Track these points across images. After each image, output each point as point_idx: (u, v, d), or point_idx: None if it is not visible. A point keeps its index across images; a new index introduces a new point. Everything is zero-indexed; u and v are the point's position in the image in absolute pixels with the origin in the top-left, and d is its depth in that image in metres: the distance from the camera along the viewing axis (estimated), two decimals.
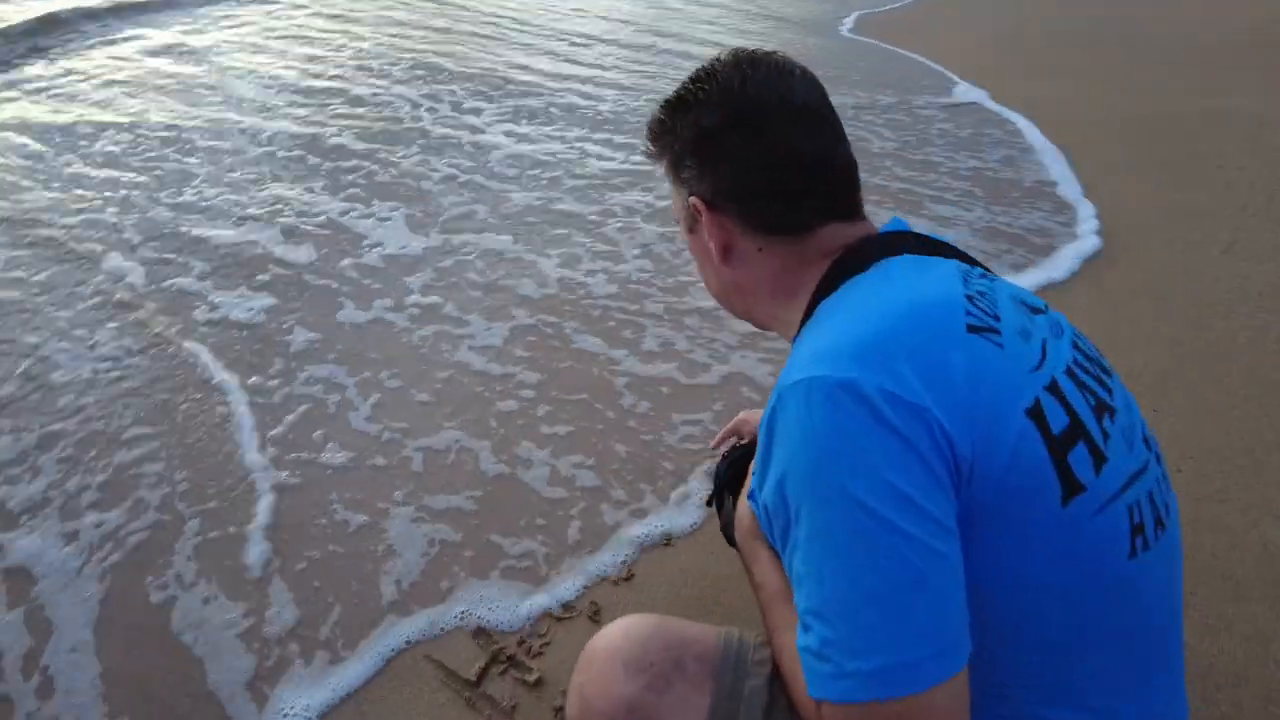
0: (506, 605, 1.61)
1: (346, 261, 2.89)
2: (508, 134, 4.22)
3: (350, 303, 2.64)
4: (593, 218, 3.32)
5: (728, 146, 0.90)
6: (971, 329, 0.76)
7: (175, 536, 1.74)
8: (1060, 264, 3.06)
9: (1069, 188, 3.87)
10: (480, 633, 1.55)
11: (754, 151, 0.89)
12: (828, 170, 0.90)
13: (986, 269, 0.94)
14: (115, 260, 2.84)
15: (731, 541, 1.23)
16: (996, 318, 0.79)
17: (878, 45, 7.33)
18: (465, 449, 2.02)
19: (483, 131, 4.25)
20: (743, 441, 1.77)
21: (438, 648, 1.52)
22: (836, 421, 0.70)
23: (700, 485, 1.89)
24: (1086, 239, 3.27)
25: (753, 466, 1.11)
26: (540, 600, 1.62)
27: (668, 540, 1.74)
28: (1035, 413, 0.73)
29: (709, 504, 1.33)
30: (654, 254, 3.04)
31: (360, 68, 5.22)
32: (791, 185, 0.89)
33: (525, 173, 3.74)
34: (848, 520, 0.68)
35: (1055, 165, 4.17)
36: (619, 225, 3.26)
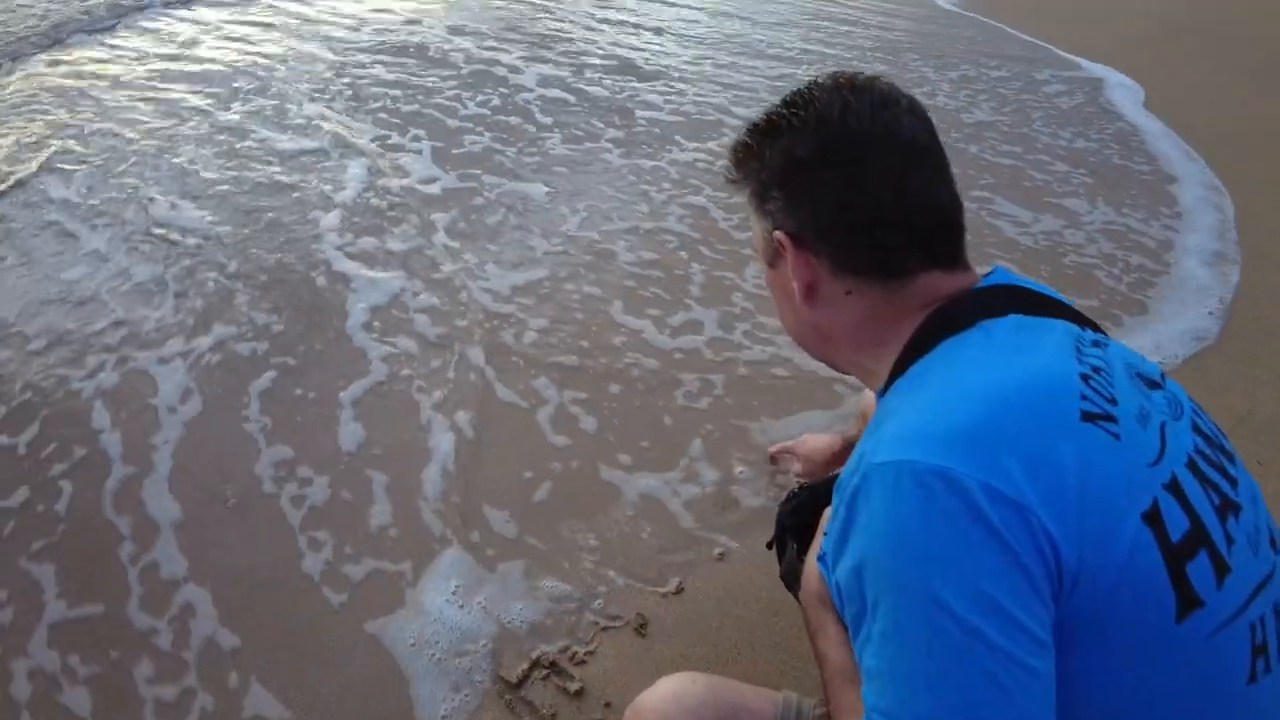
0: (552, 610, 1.59)
1: None
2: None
3: None
4: None
5: (822, 180, 0.82)
6: (1086, 416, 0.68)
7: None
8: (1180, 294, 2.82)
9: (1193, 190, 3.60)
10: (524, 635, 1.54)
11: (852, 188, 0.80)
12: (931, 213, 0.82)
13: (1098, 329, 0.85)
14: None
15: (790, 588, 1.17)
16: (1113, 400, 0.71)
17: (986, 21, 6.93)
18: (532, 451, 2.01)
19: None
20: (799, 475, 1.71)
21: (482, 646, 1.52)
22: (928, 516, 0.64)
23: (752, 500, 1.83)
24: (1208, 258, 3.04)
25: (824, 524, 1.05)
26: (588, 608, 1.59)
27: (721, 555, 1.69)
28: (1152, 517, 0.65)
29: (769, 548, 1.26)
30: None
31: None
32: (890, 227, 0.80)
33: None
34: (930, 624, 0.62)
35: (1182, 162, 3.88)
36: None
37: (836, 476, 1.26)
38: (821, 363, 0.96)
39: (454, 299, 2.50)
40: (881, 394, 0.85)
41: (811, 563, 1.01)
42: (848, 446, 1.60)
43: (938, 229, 0.83)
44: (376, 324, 2.37)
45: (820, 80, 0.87)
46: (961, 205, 0.86)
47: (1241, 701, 0.67)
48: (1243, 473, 0.76)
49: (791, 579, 1.15)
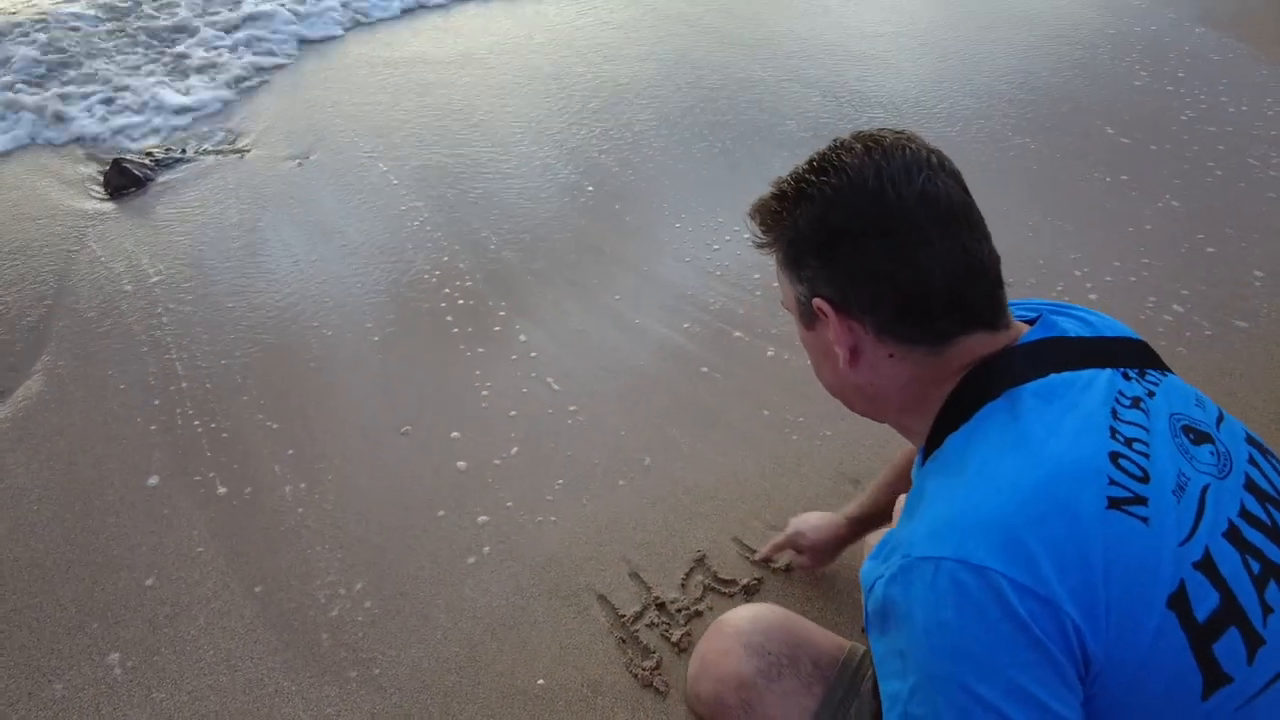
0: (671, 562, 1.74)
1: None
2: None
3: None
4: None
5: (863, 253, 0.81)
6: (1113, 503, 0.69)
7: None
8: None
9: None
10: (637, 579, 1.70)
11: (893, 258, 0.80)
12: (974, 277, 0.81)
13: (1149, 362, 0.83)
14: None
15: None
16: (1145, 478, 0.71)
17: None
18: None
19: None
20: (805, 567, 1.61)
21: (601, 579, 1.70)
22: (963, 613, 0.67)
23: None
24: None
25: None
26: (702, 567, 1.72)
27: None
28: (1178, 599, 0.67)
29: None
30: None
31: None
32: (934, 297, 0.80)
33: None
34: (964, 711, 0.67)
35: None
36: None
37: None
38: (862, 416, 0.97)
39: None
40: (920, 460, 0.87)
41: None
42: (854, 525, 1.52)
43: (981, 292, 0.82)
44: None
45: (845, 143, 0.85)
46: (999, 258, 0.84)
47: None
48: None
49: None
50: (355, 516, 1.88)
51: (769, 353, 2.33)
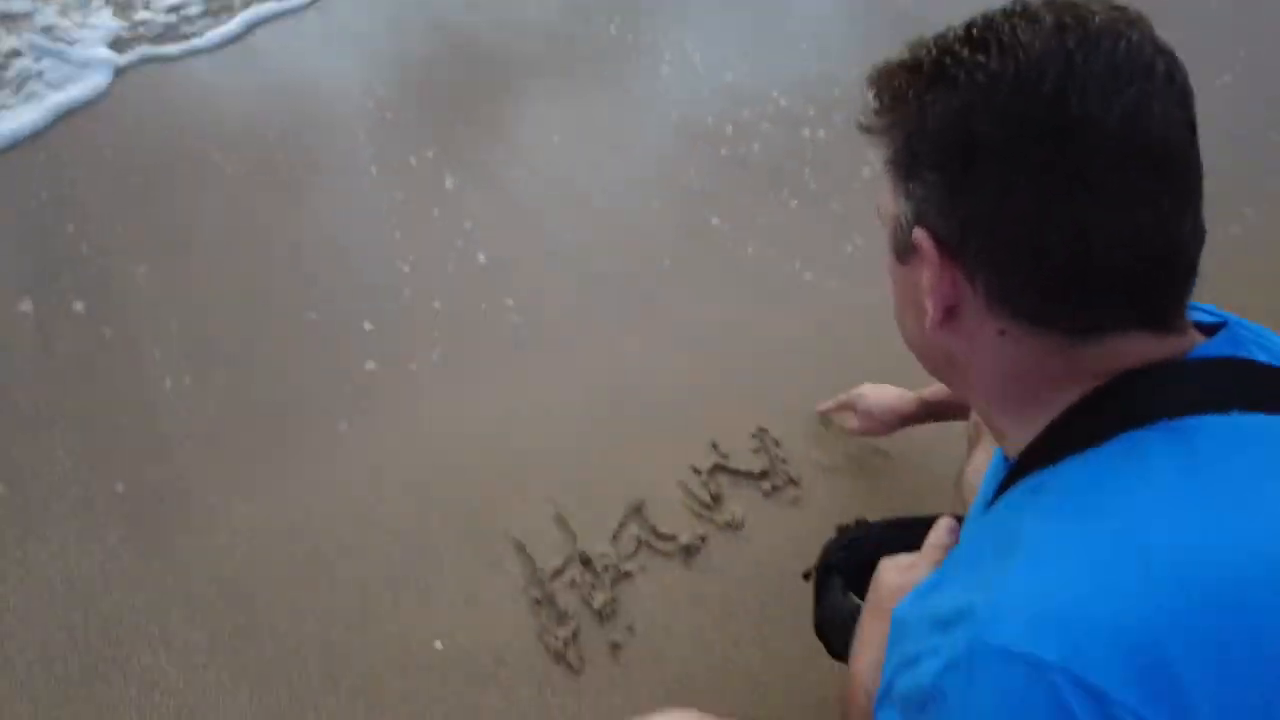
0: (604, 507, 1.50)
1: None
2: None
3: None
4: None
5: (1007, 186, 0.54)
6: None
7: None
8: None
9: None
10: (563, 525, 1.47)
11: (1051, 208, 0.53)
12: (1161, 257, 0.55)
13: None
14: None
15: (822, 637, 0.99)
16: None
17: None
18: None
19: None
20: (854, 432, 1.50)
21: (521, 523, 1.48)
22: None
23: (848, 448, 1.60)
24: None
25: (870, 621, 0.82)
26: (639, 517, 1.49)
27: (796, 500, 1.51)
28: None
29: (805, 578, 1.06)
30: None
31: None
32: (1094, 275, 0.54)
33: None
34: None
35: None
36: None
37: (904, 522, 1.02)
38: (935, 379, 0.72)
39: None
40: (1009, 472, 0.61)
41: (864, 662, 0.80)
42: (924, 410, 1.40)
43: (1165, 281, 0.56)
44: None
45: (1029, 7, 0.55)
46: (1204, 235, 0.56)
47: None
48: None
49: (828, 631, 0.97)
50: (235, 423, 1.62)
51: (749, 249, 2.00)
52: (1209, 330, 0.60)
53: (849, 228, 2.05)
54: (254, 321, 1.85)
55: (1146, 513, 0.50)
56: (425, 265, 1.98)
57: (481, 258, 2.00)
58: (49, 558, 1.43)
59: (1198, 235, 0.56)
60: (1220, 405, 0.54)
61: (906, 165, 0.60)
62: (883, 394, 1.46)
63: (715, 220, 2.09)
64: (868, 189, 2.06)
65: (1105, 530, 0.50)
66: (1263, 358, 0.59)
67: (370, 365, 1.75)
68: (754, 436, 1.60)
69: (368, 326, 1.83)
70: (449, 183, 2.22)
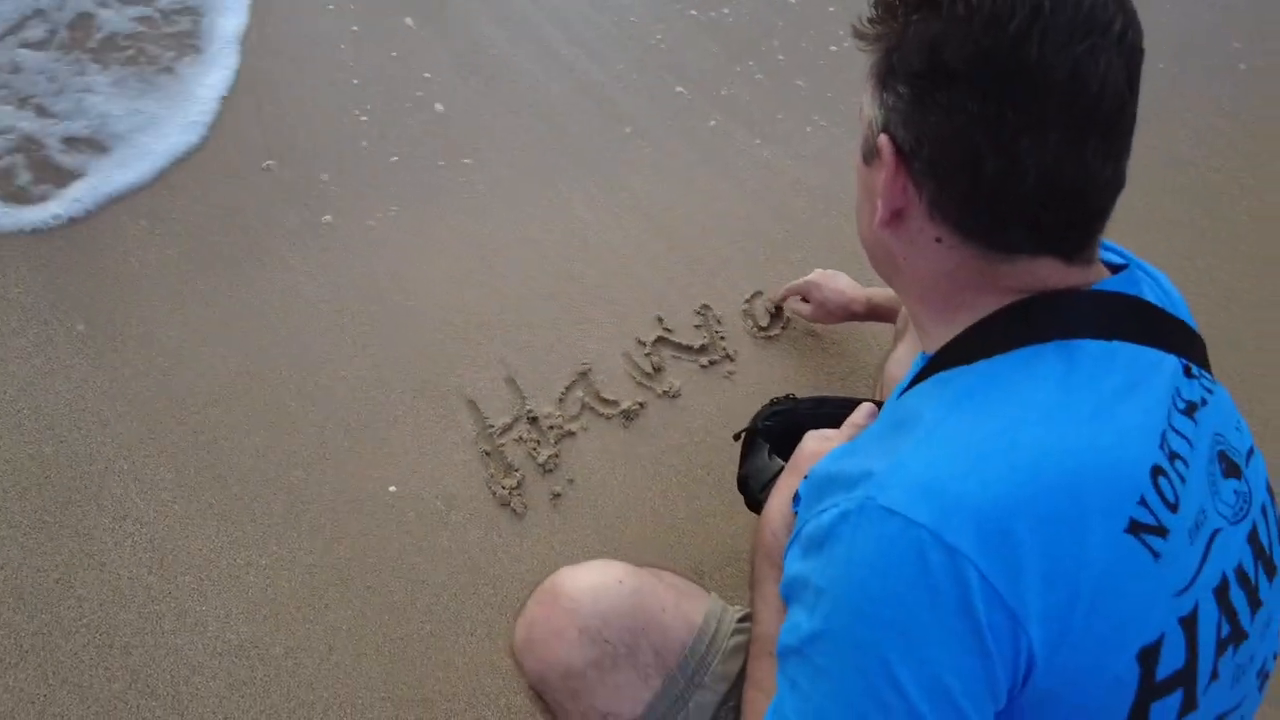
0: (552, 371, 1.60)
1: None
2: None
3: None
4: None
5: (960, 107, 0.62)
6: (1133, 528, 0.59)
7: None
8: None
9: None
10: (513, 385, 1.57)
11: (991, 137, 0.62)
12: (1080, 196, 0.64)
13: (1205, 363, 0.72)
14: None
15: (744, 490, 1.11)
16: (1174, 506, 0.61)
17: None
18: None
19: None
20: (805, 317, 1.60)
21: (473, 382, 1.57)
22: (915, 589, 0.58)
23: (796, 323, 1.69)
24: None
25: (803, 457, 0.92)
26: (584, 382, 1.59)
27: (730, 374, 1.62)
28: (1149, 654, 0.60)
29: (735, 439, 1.17)
30: None
31: None
32: (1021, 200, 0.64)
33: None
34: (872, 689, 0.59)
35: None
36: None
37: (830, 400, 1.12)
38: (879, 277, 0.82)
39: None
40: (926, 365, 0.72)
41: (775, 507, 0.92)
42: (868, 310, 1.53)
43: (1077, 217, 0.65)
44: None
45: None
46: (1123, 185, 0.66)
47: None
48: (1277, 590, 0.69)
49: (751, 488, 1.09)
50: (195, 268, 1.65)
51: (710, 123, 2.00)
52: (1115, 269, 0.71)
53: (810, 107, 2.05)
54: (210, 169, 1.83)
55: (1022, 415, 0.61)
56: (383, 115, 1.95)
57: (439, 107, 1.98)
58: (16, 393, 1.49)
59: (1115, 183, 0.65)
60: (1106, 333, 0.65)
61: (884, 76, 0.68)
62: (836, 282, 1.55)
63: (679, 89, 2.08)
64: (834, 66, 2.06)
65: (986, 427, 0.62)
66: (1151, 298, 0.70)
67: (328, 218, 1.76)
68: (698, 313, 1.68)
69: (324, 177, 1.83)
70: (409, 20, 2.15)
